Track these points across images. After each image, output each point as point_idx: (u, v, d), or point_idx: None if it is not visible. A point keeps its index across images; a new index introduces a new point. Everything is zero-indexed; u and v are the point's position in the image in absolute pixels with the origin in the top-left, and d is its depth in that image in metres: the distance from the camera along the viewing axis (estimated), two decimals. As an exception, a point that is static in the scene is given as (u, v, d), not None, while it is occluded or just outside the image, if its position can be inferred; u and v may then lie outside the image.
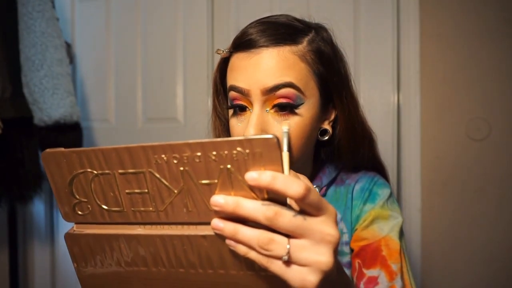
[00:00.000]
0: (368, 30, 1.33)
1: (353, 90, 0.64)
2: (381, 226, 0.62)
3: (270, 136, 0.31)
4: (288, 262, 0.33)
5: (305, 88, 0.56)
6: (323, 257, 0.32)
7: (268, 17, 0.61)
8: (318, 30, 0.61)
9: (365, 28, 1.33)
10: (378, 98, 1.32)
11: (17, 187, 1.24)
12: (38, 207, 1.64)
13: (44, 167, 0.38)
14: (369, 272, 0.59)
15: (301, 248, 0.32)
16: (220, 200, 0.33)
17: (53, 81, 1.26)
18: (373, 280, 0.58)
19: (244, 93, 0.56)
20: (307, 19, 0.63)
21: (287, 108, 0.55)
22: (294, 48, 0.56)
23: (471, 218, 1.25)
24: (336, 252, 0.34)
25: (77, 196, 0.38)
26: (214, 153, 0.32)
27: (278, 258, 0.32)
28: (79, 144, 1.40)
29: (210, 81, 1.48)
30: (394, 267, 0.59)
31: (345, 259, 0.64)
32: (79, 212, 0.39)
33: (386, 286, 0.57)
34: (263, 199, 0.33)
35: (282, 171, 0.32)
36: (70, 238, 0.40)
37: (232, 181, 0.33)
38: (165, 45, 1.51)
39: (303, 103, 0.56)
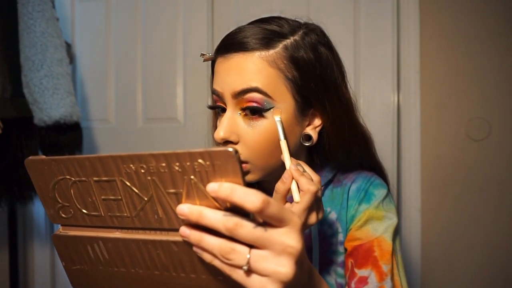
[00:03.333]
0: (368, 30, 1.33)
1: (342, 93, 0.63)
2: (375, 227, 0.62)
3: (229, 149, 0.32)
4: (249, 272, 0.34)
5: (273, 93, 0.57)
6: (283, 268, 0.33)
7: (256, 20, 0.62)
8: (306, 33, 0.60)
9: (365, 28, 1.33)
10: (378, 98, 1.32)
11: (17, 187, 1.24)
12: (38, 207, 1.64)
13: (28, 173, 0.40)
14: (360, 272, 0.60)
15: (261, 259, 0.33)
16: (185, 209, 0.34)
17: (53, 81, 1.26)
18: (364, 280, 0.59)
19: (220, 96, 0.59)
20: (303, 19, 0.63)
21: (256, 112, 0.57)
22: (263, 53, 0.57)
23: (471, 218, 1.25)
24: (299, 263, 0.34)
25: (60, 201, 0.40)
26: (177, 164, 0.34)
27: (239, 267, 0.34)
28: (79, 144, 1.40)
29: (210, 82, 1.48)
30: (385, 268, 0.59)
31: (340, 258, 0.65)
32: (63, 215, 0.41)
33: (376, 286, 0.58)
34: (226, 209, 0.34)
35: (242, 183, 0.33)
36: (56, 239, 0.43)
37: (196, 191, 0.34)
38: (165, 45, 1.51)
39: (272, 107, 0.57)
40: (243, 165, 0.58)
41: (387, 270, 0.59)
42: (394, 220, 0.63)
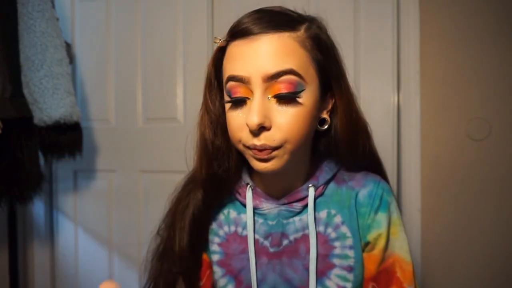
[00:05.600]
0: (368, 31, 1.33)
1: (348, 82, 0.64)
2: (392, 244, 0.63)
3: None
4: None
5: (305, 75, 0.55)
6: None
7: (260, 8, 0.61)
8: (312, 20, 0.61)
9: (365, 28, 1.33)
10: (378, 98, 1.32)
11: (17, 187, 1.24)
12: (38, 207, 1.64)
13: None
14: None
15: None
16: None
17: (53, 81, 1.26)
18: None
19: (244, 81, 0.55)
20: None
21: (289, 95, 0.54)
22: (293, 34, 0.56)
23: (471, 218, 1.25)
24: None
25: None
26: None
27: None
28: (80, 144, 1.40)
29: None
30: None
31: (348, 262, 0.63)
32: None
33: None
34: None
35: None
36: None
37: None
38: (165, 45, 1.51)
39: (304, 90, 0.55)
40: (275, 152, 0.55)
41: None
42: (405, 235, 0.64)
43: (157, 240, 0.73)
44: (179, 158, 1.49)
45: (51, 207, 1.66)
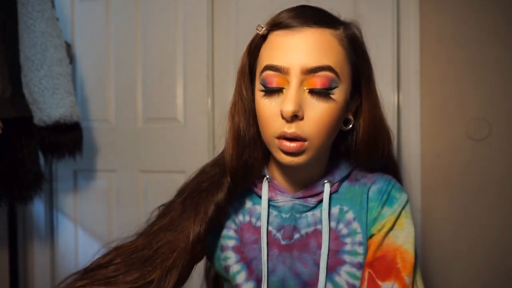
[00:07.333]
0: (368, 31, 1.32)
1: (375, 86, 0.66)
2: (396, 234, 0.63)
3: None
4: None
5: (340, 73, 0.58)
6: None
7: (304, 4, 0.64)
8: (350, 22, 0.65)
9: (365, 28, 1.32)
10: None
11: (17, 187, 1.24)
12: (38, 207, 1.64)
13: None
14: (385, 285, 0.59)
15: None
16: None
17: (53, 81, 1.26)
18: None
19: (282, 71, 0.57)
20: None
21: (323, 90, 0.57)
22: (333, 31, 0.58)
23: (471, 218, 1.25)
24: None
25: None
26: None
27: None
28: (79, 144, 1.40)
29: (207, 75, 1.49)
30: (408, 280, 0.60)
31: (357, 259, 0.64)
32: None
33: None
34: None
35: None
36: None
37: None
38: (165, 45, 1.51)
39: (337, 87, 0.57)
40: (305, 143, 0.57)
41: (409, 282, 0.60)
42: (413, 229, 0.64)
43: (168, 211, 0.72)
44: (179, 158, 1.49)
45: (51, 207, 1.66)
